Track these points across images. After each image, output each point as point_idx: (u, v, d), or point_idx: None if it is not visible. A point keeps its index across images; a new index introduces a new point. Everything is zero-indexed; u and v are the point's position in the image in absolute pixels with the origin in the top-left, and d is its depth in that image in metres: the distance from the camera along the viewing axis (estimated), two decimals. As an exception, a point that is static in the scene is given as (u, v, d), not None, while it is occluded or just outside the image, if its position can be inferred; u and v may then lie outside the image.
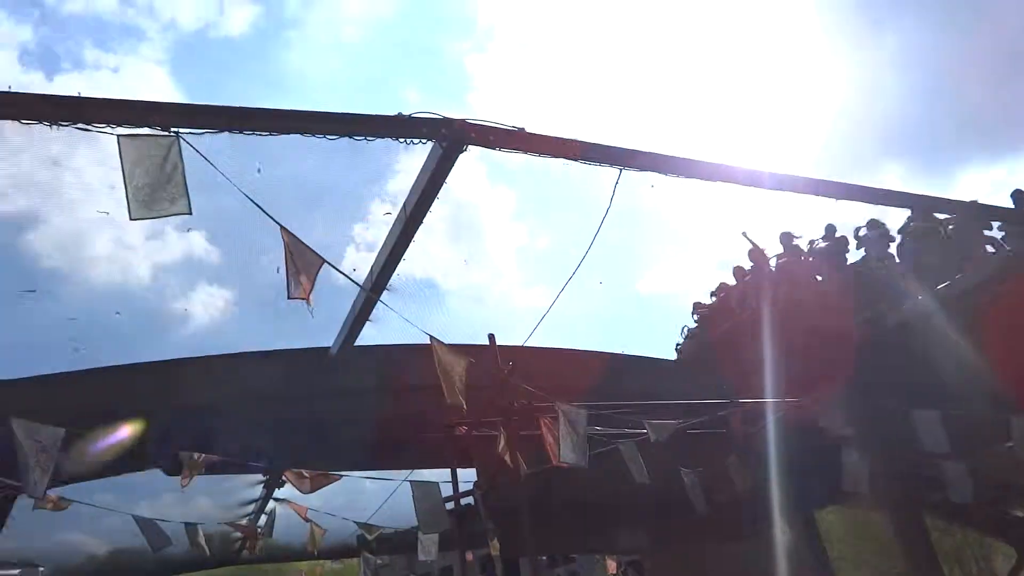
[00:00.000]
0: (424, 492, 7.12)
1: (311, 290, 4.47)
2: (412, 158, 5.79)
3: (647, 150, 5.72)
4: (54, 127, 4.59)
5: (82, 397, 6.74)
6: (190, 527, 7.40)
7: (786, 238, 12.02)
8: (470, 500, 7.84)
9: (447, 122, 5.20)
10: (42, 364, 6.73)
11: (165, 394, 7.33)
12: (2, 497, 7.09)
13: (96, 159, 5.39)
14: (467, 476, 7.87)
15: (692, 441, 8.11)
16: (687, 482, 7.98)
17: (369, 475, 6.88)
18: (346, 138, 5.04)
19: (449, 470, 7.54)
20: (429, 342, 5.08)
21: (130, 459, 7.19)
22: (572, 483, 6.64)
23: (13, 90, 4.60)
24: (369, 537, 8.43)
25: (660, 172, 5.71)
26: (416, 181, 5.61)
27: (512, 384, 6.37)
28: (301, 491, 6.43)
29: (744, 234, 11.84)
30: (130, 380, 7.18)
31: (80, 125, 4.57)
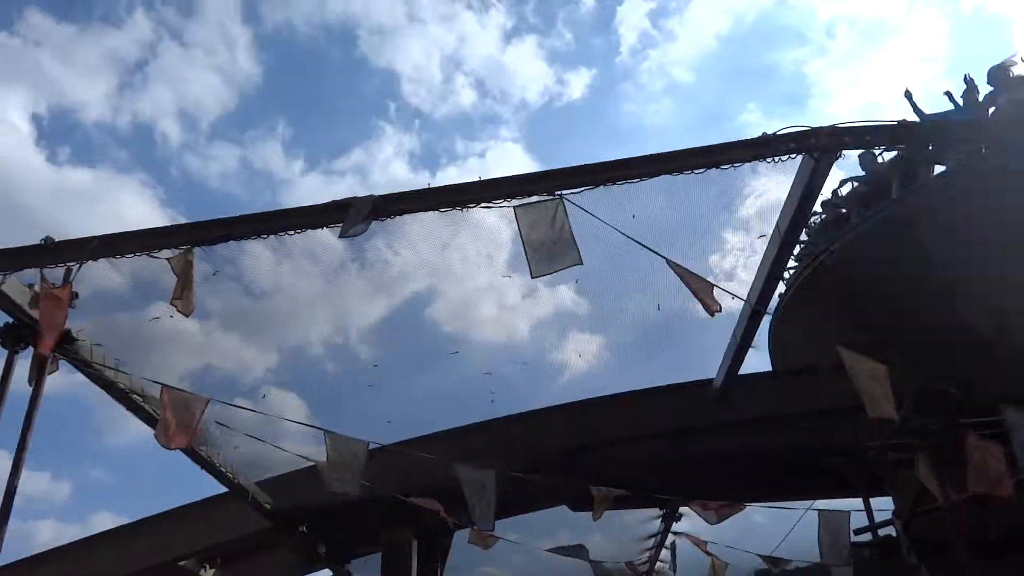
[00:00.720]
0: (828, 522, 6.70)
1: (717, 305, 4.70)
2: (759, 181, 5.65)
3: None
4: (464, 210, 5.41)
5: (501, 442, 7.64)
6: (596, 564, 7.83)
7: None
8: (891, 531, 7.14)
9: (815, 132, 5.00)
10: (464, 414, 7.78)
11: (564, 435, 7.97)
12: (446, 532, 8.25)
13: (473, 236, 6.20)
14: (883, 505, 7.22)
15: None
16: None
17: (775, 505, 6.64)
18: (713, 169, 5.12)
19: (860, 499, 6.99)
20: (839, 355, 4.76)
21: (542, 496, 7.92)
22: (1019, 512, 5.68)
23: (430, 186, 5.56)
24: (775, 571, 8.09)
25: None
26: (788, 199, 5.43)
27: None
28: (707, 522, 6.43)
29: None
30: (536, 424, 7.95)
31: (483, 204, 5.32)
